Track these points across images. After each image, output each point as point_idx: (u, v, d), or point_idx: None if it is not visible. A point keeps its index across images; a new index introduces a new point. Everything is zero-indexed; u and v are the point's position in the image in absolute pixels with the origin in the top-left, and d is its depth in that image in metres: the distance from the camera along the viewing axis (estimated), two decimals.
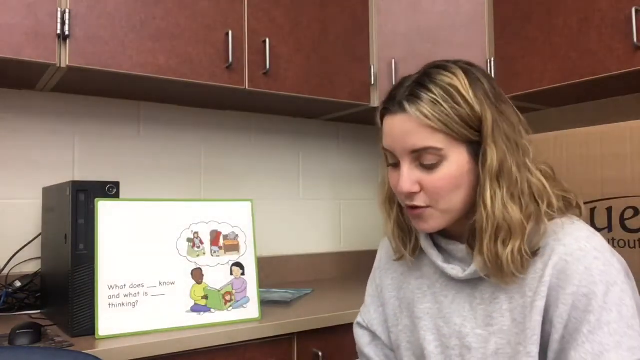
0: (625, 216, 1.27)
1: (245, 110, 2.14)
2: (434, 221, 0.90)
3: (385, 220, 1.01)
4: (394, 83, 1.99)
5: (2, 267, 1.66)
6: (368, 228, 2.44)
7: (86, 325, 1.30)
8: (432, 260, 0.96)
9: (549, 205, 0.87)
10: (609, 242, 0.88)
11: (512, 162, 0.86)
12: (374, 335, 1.08)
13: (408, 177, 0.88)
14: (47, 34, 1.46)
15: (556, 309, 0.82)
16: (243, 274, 1.46)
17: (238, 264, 1.46)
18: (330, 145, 2.39)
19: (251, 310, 1.45)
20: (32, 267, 1.69)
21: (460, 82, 0.86)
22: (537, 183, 0.87)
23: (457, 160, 0.87)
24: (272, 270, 2.11)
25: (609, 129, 1.32)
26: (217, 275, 1.43)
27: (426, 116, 0.84)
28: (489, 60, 1.96)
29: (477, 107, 0.85)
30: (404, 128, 0.87)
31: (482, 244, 0.85)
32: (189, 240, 1.42)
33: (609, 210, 1.29)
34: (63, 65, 1.49)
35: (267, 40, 1.78)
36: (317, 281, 2.19)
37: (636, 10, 1.57)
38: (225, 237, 1.47)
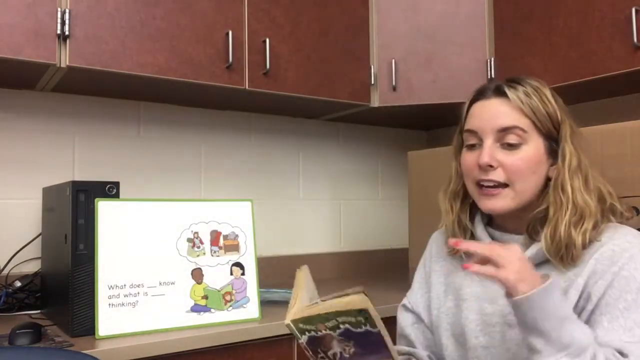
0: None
1: (245, 110, 2.14)
2: (505, 201, 0.98)
3: (446, 214, 1.10)
4: (393, 83, 1.99)
5: (2, 267, 1.66)
6: (368, 228, 2.44)
7: (86, 325, 1.30)
8: None
9: (612, 207, 0.99)
10: None
11: (586, 163, 0.99)
12: (417, 317, 1.14)
13: (490, 150, 0.98)
14: (47, 34, 1.46)
15: (594, 284, 0.91)
16: (243, 274, 1.46)
17: (238, 264, 1.46)
18: (330, 145, 2.39)
19: (251, 310, 1.45)
20: (32, 267, 1.69)
21: (546, 88, 1.02)
22: (603, 187, 1.00)
23: (535, 147, 0.98)
24: (272, 270, 2.11)
25: (609, 129, 1.33)
26: (217, 275, 1.43)
27: (521, 101, 0.98)
28: (489, 60, 1.96)
29: (558, 112, 1.00)
30: (499, 109, 0.99)
31: (556, 228, 0.94)
32: (189, 240, 1.42)
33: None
34: (63, 65, 1.49)
35: (267, 40, 1.78)
36: (317, 281, 2.18)
37: (636, 10, 1.57)
38: (225, 237, 1.47)
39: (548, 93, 1.01)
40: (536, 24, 1.84)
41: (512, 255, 0.85)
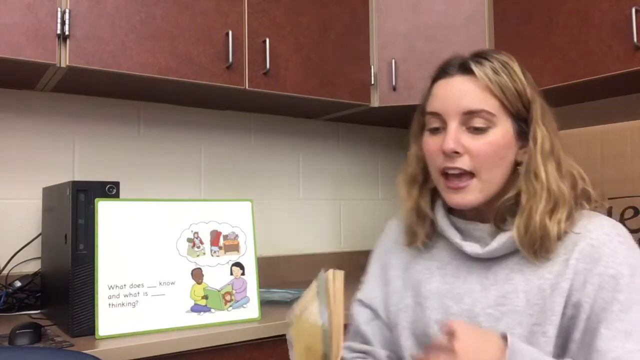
0: (625, 216, 1.27)
1: (245, 110, 2.14)
2: (472, 194, 0.91)
3: (404, 201, 1.02)
4: (394, 83, 1.99)
5: (2, 267, 1.66)
6: (368, 228, 2.44)
7: (86, 325, 1.30)
8: (450, 239, 0.97)
9: (584, 192, 0.93)
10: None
11: (558, 145, 0.92)
12: (374, 314, 1.05)
13: (455, 135, 0.90)
14: (47, 34, 1.46)
15: (583, 289, 0.84)
16: (243, 274, 1.46)
17: (238, 264, 1.46)
18: (330, 145, 2.39)
19: (251, 310, 1.45)
20: (32, 267, 1.69)
21: (515, 63, 0.93)
22: (576, 171, 0.93)
23: (504, 130, 0.91)
24: (272, 270, 2.11)
25: (609, 129, 1.33)
26: (217, 275, 1.43)
27: (489, 78, 0.90)
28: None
29: (528, 89, 0.92)
30: (463, 88, 0.91)
31: (530, 218, 0.87)
32: (189, 240, 1.42)
33: (609, 210, 1.29)
34: (63, 65, 1.49)
35: (267, 40, 1.78)
36: None
37: (636, 10, 1.57)
38: (225, 237, 1.47)
39: (517, 68, 0.92)
40: (536, 24, 1.84)
41: (464, 342, 0.77)
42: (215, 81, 1.71)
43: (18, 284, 1.64)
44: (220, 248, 1.45)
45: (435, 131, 0.94)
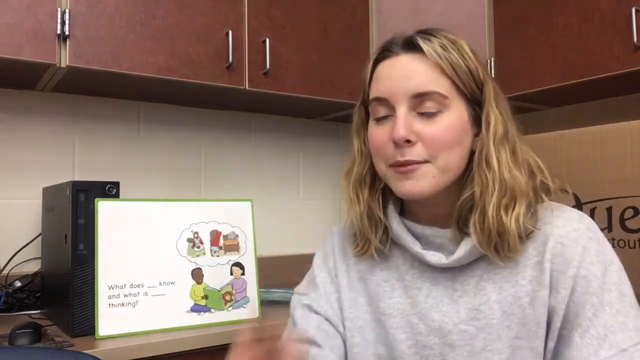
0: (625, 216, 1.27)
1: (245, 110, 2.14)
2: (426, 181, 0.79)
3: (352, 206, 0.90)
4: None
5: (2, 267, 1.66)
6: None
7: (86, 325, 1.30)
8: (407, 247, 0.85)
9: (542, 183, 0.83)
10: (608, 242, 0.88)
11: (513, 131, 0.82)
12: (327, 322, 0.91)
13: (405, 122, 0.79)
14: (47, 34, 1.46)
15: (557, 294, 0.77)
16: (243, 274, 1.46)
17: (238, 264, 1.46)
18: (330, 145, 2.39)
19: (251, 310, 1.45)
20: (32, 267, 1.69)
21: (464, 41, 0.83)
22: (532, 160, 0.84)
23: (458, 113, 0.80)
24: (272, 270, 2.11)
25: (609, 129, 1.32)
26: (217, 275, 1.43)
27: (439, 55, 0.79)
28: (489, 60, 1.96)
29: (480, 69, 0.82)
30: (411, 68, 0.80)
31: (484, 213, 0.78)
32: (189, 240, 1.42)
33: (609, 210, 1.29)
34: (63, 65, 1.49)
35: (267, 40, 1.78)
36: None
37: (636, 10, 1.57)
38: (225, 237, 1.47)
39: (466, 47, 0.82)
40: (536, 24, 1.84)
41: None
42: (215, 81, 1.71)
43: (18, 284, 1.64)
44: (220, 248, 1.45)
45: (381, 120, 0.82)
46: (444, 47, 0.80)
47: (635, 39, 1.57)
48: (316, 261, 0.99)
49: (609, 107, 1.98)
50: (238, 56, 1.74)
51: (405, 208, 0.90)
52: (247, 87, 1.76)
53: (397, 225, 0.86)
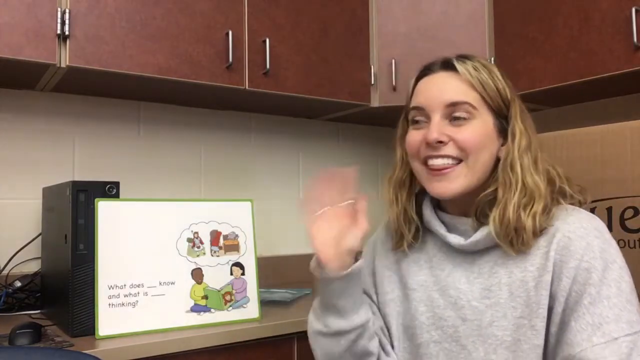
0: (625, 216, 1.27)
1: (245, 110, 2.14)
2: (458, 181, 0.93)
3: (391, 205, 1.04)
4: (394, 83, 1.99)
5: (2, 267, 1.66)
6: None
7: (86, 325, 1.30)
8: (435, 231, 1.00)
9: (561, 190, 0.95)
10: (616, 244, 0.92)
11: (536, 144, 0.95)
12: (366, 293, 1.07)
13: (438, 127, 0.93)
14: (47, 34, 1.46)
15: (559, 282, 0.87)
16: (243, 274, 1.46)
17: (238, 264, 1.46)
18: (330, 145, 2.39)
19: (251, 310, 1.45)
20: (32, 267, 1.69)
21: (495, 67, 0.98)
22: (552, 170, 0.97)
23: (484, 122, 0.94)
24: (272, 270, 2.11)
25: (609, 129, 1.32)
26: (217, 275, 1.43)
27: (470, 74, 0.94)
28: (489, 60, 1.96)
29: (508, 90, 0.97)
30: (446, 82, 0.95)
31: (504, 210, 0.90)
32: (189, 240, 1.42)
33: (609, 210, 1.29)
34: (63, 65, 1.49)
35: (267, 40, 1.78)
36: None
37: (636, 10, 1.57)
38: (225, 237, 1.47)
39: (497, 71, 0.98)
40: (536, 24, 1.84)
41: None
42: (215, 81, 1.71)
43: (18, 284, 1.64)
44: (220, 248, 1.45)
45: (418, 125, 0.98)
46: (475, 68, 0.95)
47: (635, 39, 1.57)
48: (365, 247, 1.13)
49: (609, 107, 1.98)
50: (238, 56, 1.74)
51: (439, 202, 1.03)
52: (247, 87, 1.76)
53: (429, 213, 1.02)
